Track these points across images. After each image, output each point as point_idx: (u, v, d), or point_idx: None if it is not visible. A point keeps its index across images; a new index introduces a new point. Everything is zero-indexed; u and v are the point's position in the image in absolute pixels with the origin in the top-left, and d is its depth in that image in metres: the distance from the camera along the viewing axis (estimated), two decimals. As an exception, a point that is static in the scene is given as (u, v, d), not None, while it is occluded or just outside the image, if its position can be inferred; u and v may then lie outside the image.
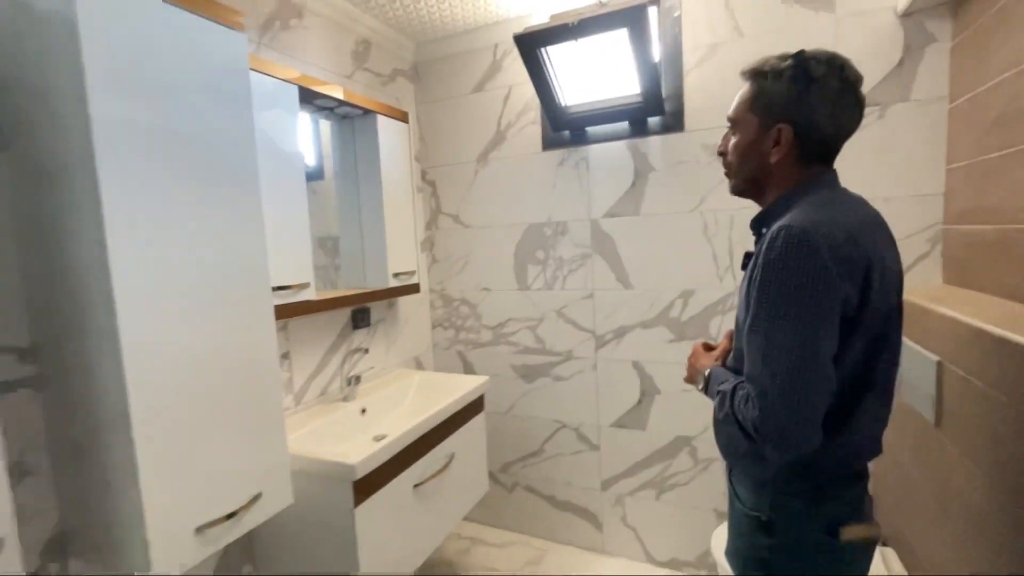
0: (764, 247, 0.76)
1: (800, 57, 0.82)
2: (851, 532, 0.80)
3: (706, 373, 0.94)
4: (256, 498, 1.08)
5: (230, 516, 1.03)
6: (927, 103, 1.45)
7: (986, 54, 1.22)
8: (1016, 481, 0.84)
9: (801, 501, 0.82)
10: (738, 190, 0.94)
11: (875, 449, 0.84)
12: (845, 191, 0.87)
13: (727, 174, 0.95)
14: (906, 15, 1.44)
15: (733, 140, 0.91)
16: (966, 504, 1.02)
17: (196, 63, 0.98)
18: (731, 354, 0.94)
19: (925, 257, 1.51)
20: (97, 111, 0.82)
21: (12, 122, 0.90)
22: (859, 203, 0.84)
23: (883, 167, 1.51)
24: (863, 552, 0.84)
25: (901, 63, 1.47)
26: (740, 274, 1.72)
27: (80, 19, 0.80)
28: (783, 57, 0.83)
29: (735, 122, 0.90)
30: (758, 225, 0.92)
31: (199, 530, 0.97)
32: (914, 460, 1.29)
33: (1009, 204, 1.12)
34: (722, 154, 0.95)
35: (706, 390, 0.93)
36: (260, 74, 1.28)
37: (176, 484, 0.93)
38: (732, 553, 0.95)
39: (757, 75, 0.85)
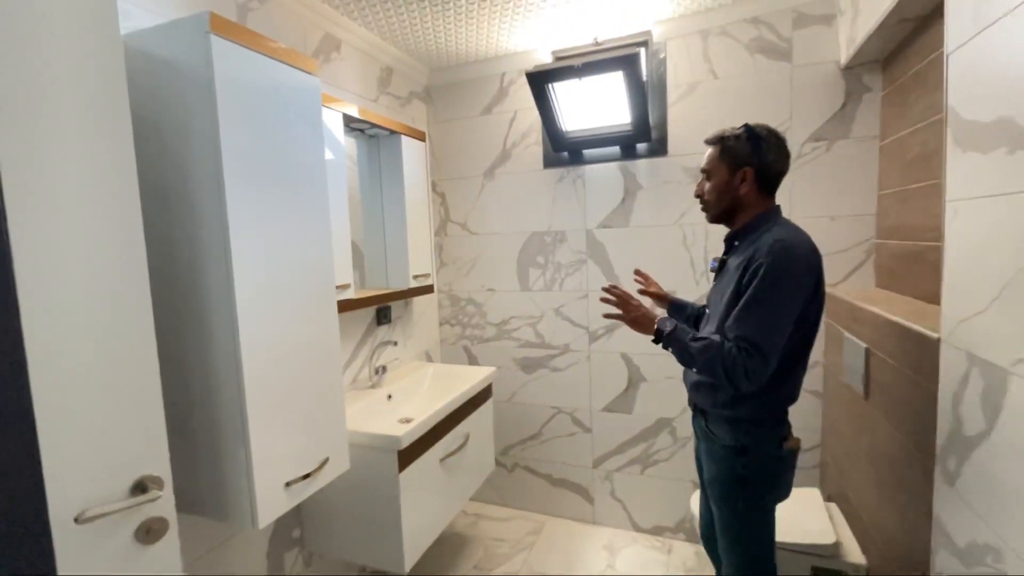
0: (763, 252, 1.10)
1: (748, 126, 1.22)
2: (790, 443, 1.22)
3: (671, 326, 1.20)
4: (325, 462, 1.30)
5: (306, 476, 1.25)
6: (863, 140, 1.79)
7: (906, 106, 1.55)
8: (920, 434, 1.14)
9: (765, 429, 1.20)
10: (717, 219, 1.30)
11: (799, 392, 1.23)
12: (790, 220, 1.24)
13: (705, 210, 1.32)
14: (847, 68, 1.77)
15: (708, 185, 1.27)
16: (887, 458, 1.33)
17: (286, 101, 1.20)
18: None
19: (862, 265, 1.84)
20: (225, 142, 1.03)
21: (139, 151, 1.10)
22: (802, 229, 1.20)
23: (830, 191, 1.84)
24: (794, 457, 1.25)
25: (843, 107, 1.80)
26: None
27: (216, 74, 1.01)
28: (735, 128, 1.23)
29: (709, 172, 1.27)
30: (732, 239, 1.29)
31: (287, 485, 1.19)
32: (850, 428, 1.61)
33: (922, 225, 1.44)
34: (699, 196, 1.31)
35: (670, 336, 1.19)
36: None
37: (272, 446, 1.15)
38: (712, 479, 1.26)
39: (722, 139, 1.24)
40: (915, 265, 1.48)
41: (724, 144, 1.22)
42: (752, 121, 1.23)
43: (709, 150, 1.27)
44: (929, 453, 1.05)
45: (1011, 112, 0.77)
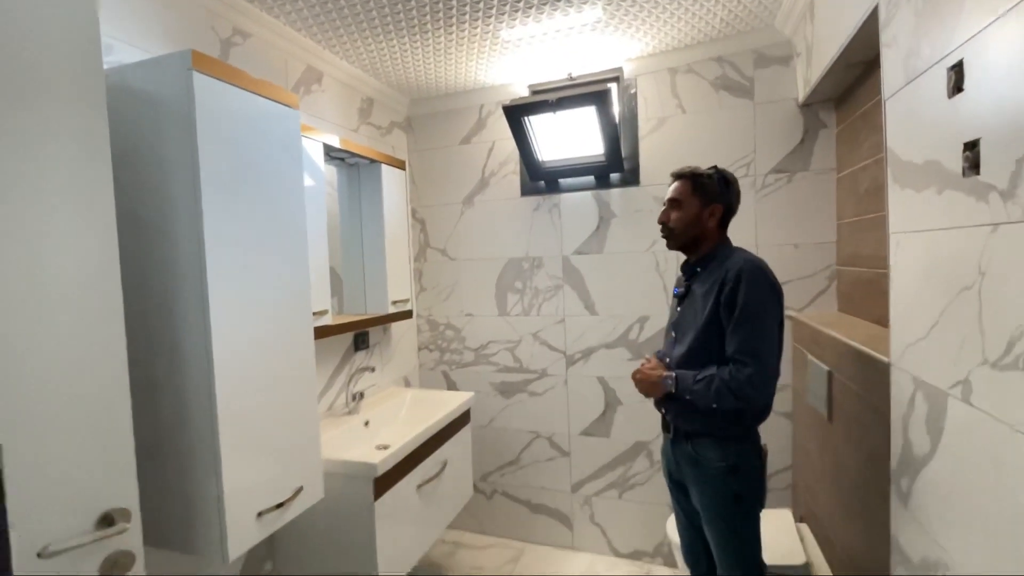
0: (734, 274, 1.23)
1: (718, 169, 1.37)
2: (764, 451, 1.33)
3: (672, 377, 1.30)
4: (298, 491, 1.29)
5: (279, 506, 1.23)
6: (822, 173, 1.89)
7: (857, 143, 1.65)
8: (876, 455, 1.19)
9: (749, 444, 1.29)
10: (681, 246, 1.40)
11: (772, 403, 1.31)
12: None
13: (668, 236, 1.40)
14: (805, 105, 1.89)
15: (676, 214, 1.36)
16: (849, 479, 1.38)
17: (266, 133, 1.23)
18: (676, 358, 1.35)
19: (826, 291, 1.92)
20: (204, 172, 1.05)
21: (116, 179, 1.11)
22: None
23: (792, 221, 1.93)
24: (766, 462, 1.35)
25: (802, 141, 1.91)
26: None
27: (197, 108, 1.04)
28: (708, 168, 1.37)
29: (680, 202, 1.36)
30: (694, 267, 1.39)
31: (259, 515, 1.18)
32: (817, 450, 1.66)
33: (874, 254, 1.53)
34: (663, 223, 1.39)
35: (676, 389, 1.29)
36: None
37: (245, 475, 1.14)
38: (708, 503, 1.30)
39: (695, 176, 1.35)
40: (871, 291, 1.56)
41: (698, 180, 1.34)
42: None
43: (677, 183, 1.37)
44: (885, 474, 1.10)
45: (937, 156, 0.84)
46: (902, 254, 1.01)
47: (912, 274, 0.97)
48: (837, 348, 1.43)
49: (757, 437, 1.32)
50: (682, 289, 1.41)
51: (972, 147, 0.75)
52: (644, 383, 1.38)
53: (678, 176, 1.38)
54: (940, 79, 0.82)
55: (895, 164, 1.02)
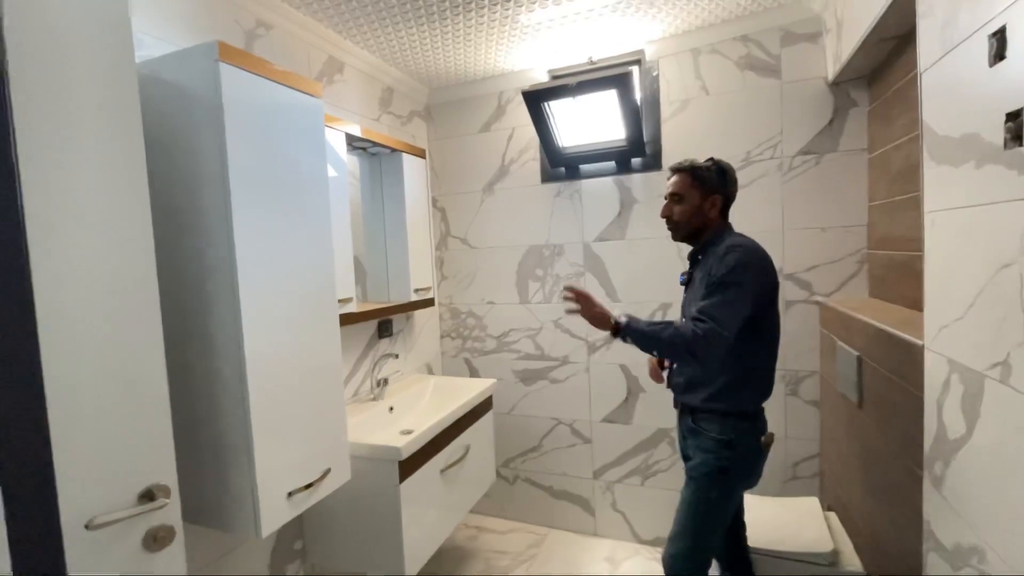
0: (720, 256, 1.29)
1: (715, 160, 1.41)
2: (767, 439, 1.37)
3: (627, 318, 1.33)
4: (326, 473, 1.33)
5: (308, 486, 1.27)
6: (852, 153, 1.83)
7: (890, 121, 1.59)
8: (909, 440, 1.16)
9: (749, 424, 1.35)
10: (684, 238, 1.46)
11: (772, 389, 1.39)
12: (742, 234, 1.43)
13: (673, 230, 1.46)
14: (835, 84, 1.82)
15: (679, 208, 1.41)
16: (880, 464, 1.35)
17: (291, 122, 1.25)
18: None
19: (856, 275, 1.87)
20: (232, 162, 1.08)
21: (149, 170, 1.15)
22: (751, 238, 1.38)
23: (821, 203, 1.88)
24: (767, 450, 1.38)
25: (831, 121, 1.85)
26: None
27: (224, 98, 1.06)
28: (706, 160, 1.41)
29: (682, 196, 1.40)
30: (696, 255, 1.46)
31: (289, 495, 1.22)
32: (846, 436, 1.62)
33: (908, 236, 1.48)
34: (666, 217, 1.45)
35: (628, 327, 1.31)
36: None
37: (275, 457, 1.18)
38: (696, 467, 1.36)
39: (694, 168, 1.39)
40: (904, 274, 1.51)
41: (697, 173, 1.39)
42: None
43: (676, 177, 1.42)
44: (917, 458, 1.07)
45: (976, 128, 0.81)
46: (938, 233, 0.98)
47: (948, 253, 0.94)
48: (867, 332, 1.39)
49: (761, 421, 1.38)
50: (687, 276, 1.48)
51: (1015, 117, 0.71)
52: (596, 308, 1.36)
53: (677, 170, 1.41)
54: (980, 47, 0.78)
55: (931, 140, 0.98)
